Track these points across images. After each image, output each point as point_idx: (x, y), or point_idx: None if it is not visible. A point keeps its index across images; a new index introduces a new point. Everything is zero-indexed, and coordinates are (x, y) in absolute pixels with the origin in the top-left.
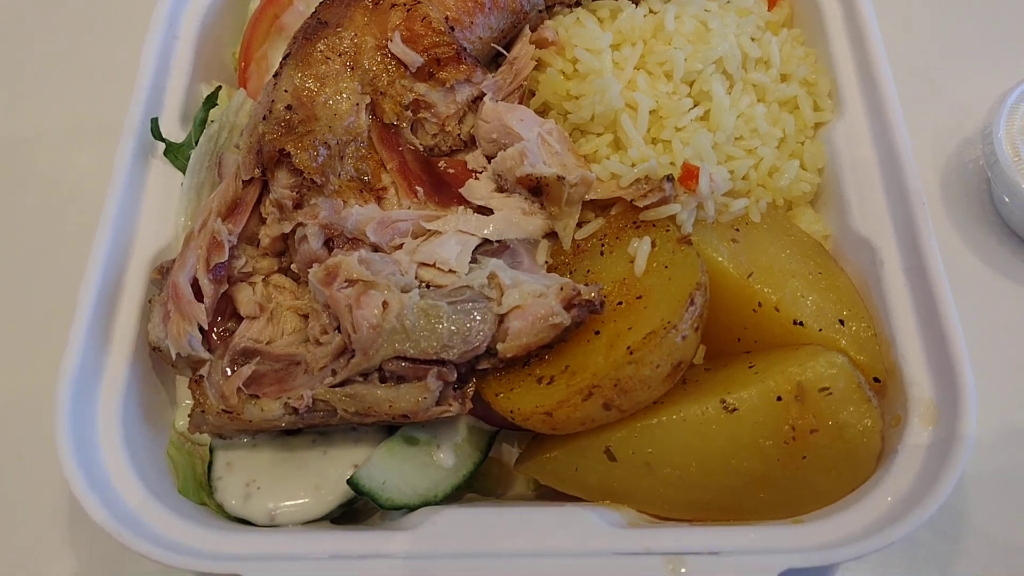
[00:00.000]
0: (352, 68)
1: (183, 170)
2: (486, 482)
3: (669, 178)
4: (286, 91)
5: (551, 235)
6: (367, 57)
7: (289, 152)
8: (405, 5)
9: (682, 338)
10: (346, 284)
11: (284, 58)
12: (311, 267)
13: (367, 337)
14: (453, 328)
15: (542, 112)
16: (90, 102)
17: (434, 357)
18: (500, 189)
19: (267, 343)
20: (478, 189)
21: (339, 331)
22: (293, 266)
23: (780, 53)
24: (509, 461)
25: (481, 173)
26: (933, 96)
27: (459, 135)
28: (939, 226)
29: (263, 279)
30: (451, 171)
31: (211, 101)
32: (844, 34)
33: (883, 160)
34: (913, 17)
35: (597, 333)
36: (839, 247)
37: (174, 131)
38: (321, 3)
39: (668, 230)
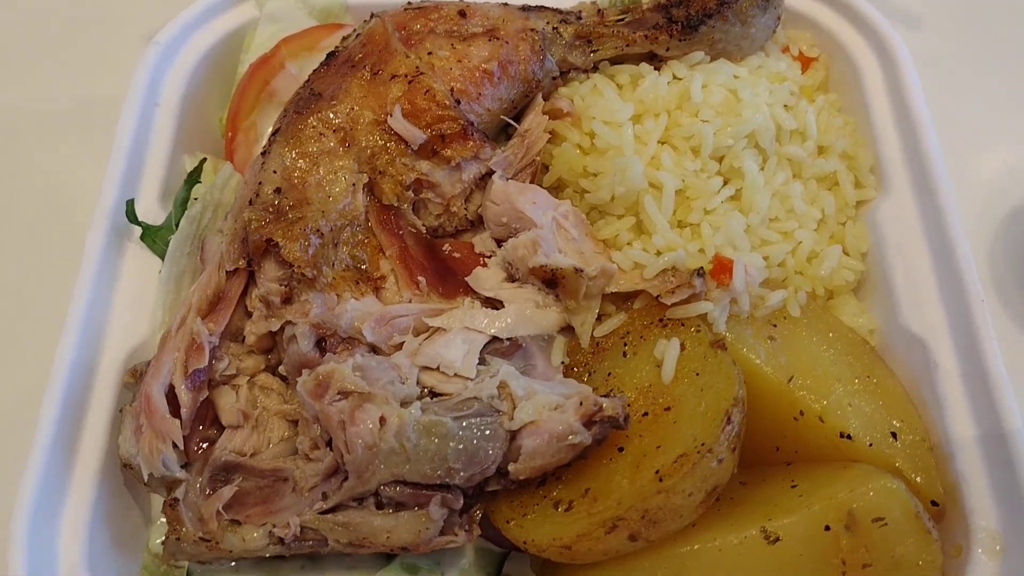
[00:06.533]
0: (348, 145)
1: (162, 256)
2: None
3: (699, 272)
4: (275, 172)
5: (567, 329)
6: (365, 133)
7: (277, 242)
8: (406, 76)
9: (718, 462)
10: (339, 396)
11: (273, 133)
12: (301, 371)
13: (362, 458)
14: (459, 447)
15: (556, 190)
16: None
17: (437, 481)
18: (511, 278)
19: (251, 455)
20: (487, 279)
21: (331, 447)
22: (282, 367)
23: (817, 123)
24: None
25: (489, 258)
26: (980, 156)
27: (465, 215)
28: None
29: (248, 380)
30: (456, 255)
31: (194, 178)
32: (886, 99)
33: (934, 247)
34: (957, 70)
35: (621, 450)
36: (887, 344)
37: (153, 210)
38: (314, 71)
39: (699, 330)
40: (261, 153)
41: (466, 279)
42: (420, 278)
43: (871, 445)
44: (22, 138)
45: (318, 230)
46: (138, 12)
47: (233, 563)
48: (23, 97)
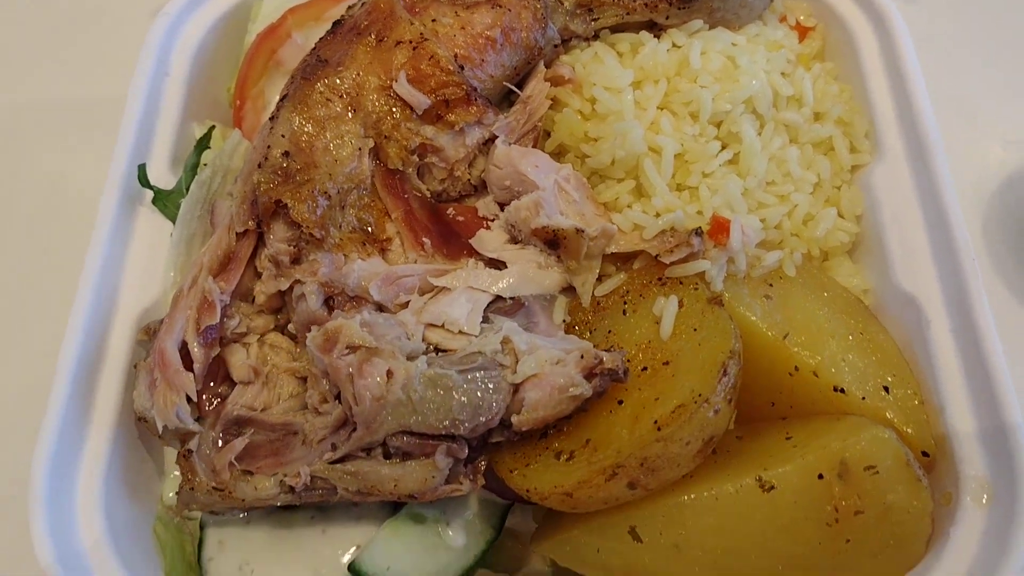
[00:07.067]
0: (354, 110)
1: (173, 219)
2: (499, 557)
3: (697, 232)
4: (283, 136)
5: (569, 290)
6: (370, 98)
7: (286, 203)
8: (411, 42)
9: (714, 412)
10: (347, 351)
11: (281, 99)
12: (309, 329)
13: (370, 410)
14: (464, 399)
15: (558, 155)
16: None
17: (443, 432)
18: (513, 240)
19: (262, 410)
20: (490, 241)
21: (339, 400)
22: (290, 326)
23: (813, 90)
24: (524, 532)
25: (492, 221)
26: (974, 130)
27: (469, 180)
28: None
29: (258, 339)
30: (460, 219)
31: (203, 144)
32: (881, 68)
33: (927, 208)
34: (953, 47)
35: (620, 403)
36: (880, 303)
37: (163, 177)
38: (321, 39)
39: (696, 288)
40: (270, 118)
41: (469, 241)
42: (425, 240)
43: (864, 399)
44: (23, 138)
45: (326, 192)
46: (138, 11)
47: (244, 514)
48: (23, 97)
